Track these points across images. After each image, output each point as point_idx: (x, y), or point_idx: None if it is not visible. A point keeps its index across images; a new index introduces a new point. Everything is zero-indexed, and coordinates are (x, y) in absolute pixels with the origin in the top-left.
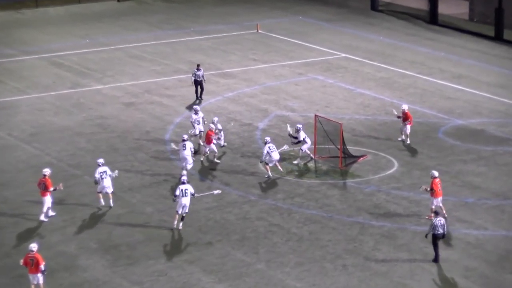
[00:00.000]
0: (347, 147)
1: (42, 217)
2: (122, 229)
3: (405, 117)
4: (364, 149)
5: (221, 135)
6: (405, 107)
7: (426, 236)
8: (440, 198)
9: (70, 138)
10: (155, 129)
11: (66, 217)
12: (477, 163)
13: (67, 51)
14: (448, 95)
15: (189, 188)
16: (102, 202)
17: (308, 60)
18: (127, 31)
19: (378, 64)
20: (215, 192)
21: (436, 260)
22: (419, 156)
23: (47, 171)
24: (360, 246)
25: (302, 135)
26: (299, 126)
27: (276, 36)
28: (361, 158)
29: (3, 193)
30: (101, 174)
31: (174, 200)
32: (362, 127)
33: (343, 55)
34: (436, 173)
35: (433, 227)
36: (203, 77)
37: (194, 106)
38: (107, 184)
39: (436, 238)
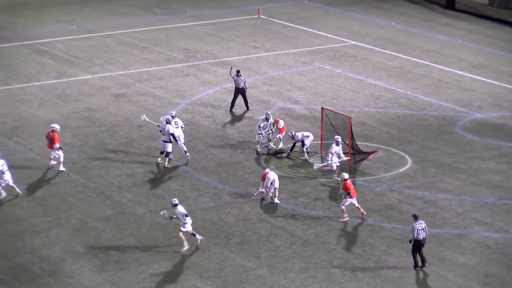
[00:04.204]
0: (357, 142)
1: (61, 167)
2: (111, 232)
3: None
4: (375, 145)
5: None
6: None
7: (410, 242)
8: (355, 199)
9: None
10: (147, 123)
11: (50, 218)
12: (497, 160)
13: (51, 37)
14: (466, 86)
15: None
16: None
17: (313, 48)
18: (116, 16)
19: (390, 52)
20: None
21: (416, 266)
22: (435, 152)
23: (56, 126)
24: (370, 250)
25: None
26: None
27: (279, 21)
28: (372, 155)
29: None
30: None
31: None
32: (372, 120)
33: (352, 42)
34: (346, 175)
35: (416, 231)
36: (245, 84)
37: (266, 112)
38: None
39: (418, 244)
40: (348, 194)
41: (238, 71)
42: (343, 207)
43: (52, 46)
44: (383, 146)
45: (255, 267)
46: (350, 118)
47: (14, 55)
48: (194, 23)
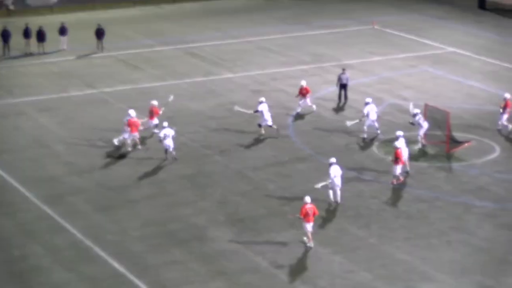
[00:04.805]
0: (454, 133)
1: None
2: (247, 205)
3: (504, 105)
4: (470, 136)
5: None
6: (507, 95)
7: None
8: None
9: (202, 121)
10: (278, 115)
11: (197, 192)
12: None
13: (201, 42)
14: None
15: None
16: None
17: (420, 53)
18: (256, 25)
19: (485, 59)
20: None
21: None
22: None
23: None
24: (464, 224)
25: (418, 119)
26: (417, 111)
27: (391, 31)
28: (466, 144)
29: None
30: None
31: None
32: (468, 115)
33: (451, 49)
34: (397, 144)
35: None
36: (347, 81)
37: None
38: None
39: None
40: (396, 159)
41: (343, 69)
42: (397, 174)
43: (202, 50)
44: (476, 137)
45: (367, 236)
46: (449, 113)
47: (171, 57)
48: (320, 32)
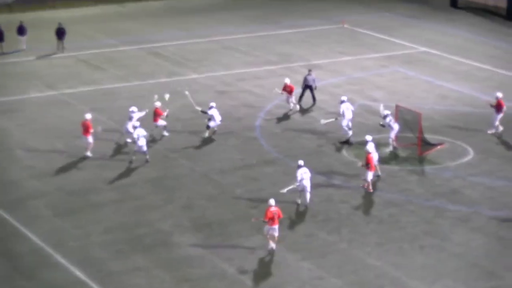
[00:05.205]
0: (426, 135)
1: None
2: (213, 209)
3: (498, 106)
4: (442, 138)
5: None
6: (499, 94)
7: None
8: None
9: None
10: (246, 116)
11: (163, 196)
12: None
13: (165, 42)
14: None
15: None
16: None
17: (391, 53)
18: (222, 24)
19: (457, 58)
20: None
21: None
22: (497, 146)
23: (88, 116)
24: (437, 229)
25: (388, 121)
26: (387, 112)
27: (362, 30)
28: (439, 146)
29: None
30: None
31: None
32: (440, 117)
33: (424, 49)
34: (369, 149)
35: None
36: (313, 82)
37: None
38: None
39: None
40: (367, 165)
41: (309, 70)
42: (369, 179)
43: (166, 49)
44: (449, 139)
45: (337, 241)
46: (420, 114)
47: (134, 57)
48: (289, 31)
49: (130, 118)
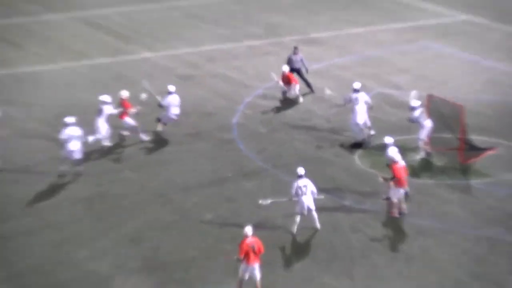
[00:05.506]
0: (471, 136)
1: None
2: (172, 243)
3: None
4: (493, 140)
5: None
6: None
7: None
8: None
9: (108, 120)
10: (219, 110)
11: (97, 225)
12: None
13: (107, 8)
14: None
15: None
16: None
17: (418, 22)
18: None
19: (511, 29)
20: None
21: None
22: None
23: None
24: (491, 270)
25: (417, 116)
26: (416, 104)
27: None
28: (489, 151)
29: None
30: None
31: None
32: (490, 110)
33: (464, 16)
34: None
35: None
36: (302, 62)
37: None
38: None
39: None
40: (393, 180)
41: (295, 48)
42: (395, 200)
43: (108, 19)
44: (503, 141)
45: None
46: (462, 107)
47: (63, 29)
48: None
49: (100, 112)
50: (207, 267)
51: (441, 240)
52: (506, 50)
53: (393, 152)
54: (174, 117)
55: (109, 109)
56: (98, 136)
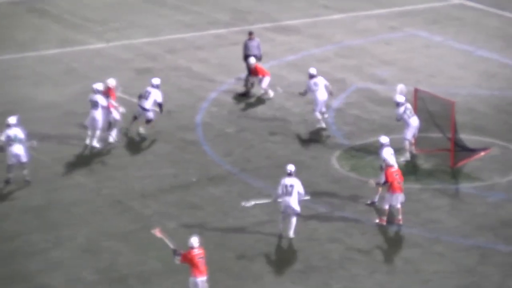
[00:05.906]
0: (462, 136)
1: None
2: (130, 254)
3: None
4: (487, 139)
5: None
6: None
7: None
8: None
9: (58, 119)
10: (181, 108)
11: (49, 235)
12: None
13: None
14: None
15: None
16: None
17: (405, 7)
18: None
19: (510, 15)
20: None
21: None
22: None
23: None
24: (482, 282)
25: (402, 112)
26: (401, 100)
27: None
28: (483, 153)
29: None
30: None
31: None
32: (485, 106)
33: (456, 0)
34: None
35: None
36: (258, 50)
37: None
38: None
39: None
40: (385, 184)
41: (250, 33)
42: (386, 207)
43: (55, 4)
44: (498, 141)
45: None
46: (453, 103)
47: (4, 16)
48: None
49: (96, 104)
50: (169, 280)
51: (427, 250)
52: (503, 38)
53: (387, 154)
54: (140, 109)
55: (102, 100)
56: (107, 132)
